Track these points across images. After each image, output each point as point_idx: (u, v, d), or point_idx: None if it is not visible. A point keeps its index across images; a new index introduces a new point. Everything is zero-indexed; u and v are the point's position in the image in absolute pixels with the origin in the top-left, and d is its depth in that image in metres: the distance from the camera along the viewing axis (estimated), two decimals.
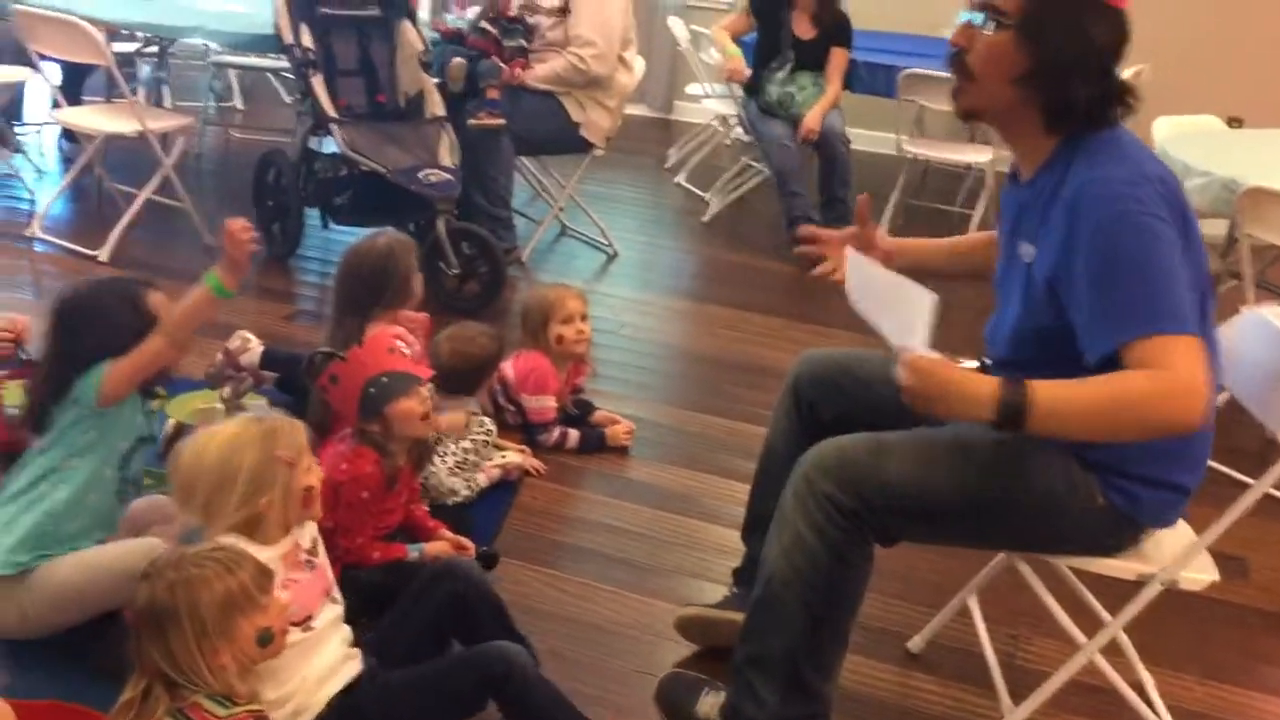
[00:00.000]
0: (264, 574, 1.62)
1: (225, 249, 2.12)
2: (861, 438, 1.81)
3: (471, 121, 4.09)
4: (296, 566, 1.79)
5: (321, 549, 1.90)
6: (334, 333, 2.64)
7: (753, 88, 5.06)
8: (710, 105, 5.80)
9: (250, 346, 2.95)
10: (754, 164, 5.54)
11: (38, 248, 4.17)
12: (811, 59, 4.98)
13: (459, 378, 2.79)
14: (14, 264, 4.04)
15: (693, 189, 5.75)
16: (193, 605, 1.53)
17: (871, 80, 5.22)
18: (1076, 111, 1.68)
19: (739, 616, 2.14)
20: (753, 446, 3.04)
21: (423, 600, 1.96)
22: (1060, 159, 1.72)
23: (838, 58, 5.01)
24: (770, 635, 1.79)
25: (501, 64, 4.16)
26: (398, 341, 2.31)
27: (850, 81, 5.14)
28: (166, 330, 2.07)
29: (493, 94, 4.14)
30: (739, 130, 5.44)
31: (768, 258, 4.87)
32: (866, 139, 6.60)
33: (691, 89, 6.23)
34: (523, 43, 4.27)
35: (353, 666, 1.82)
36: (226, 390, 2.92)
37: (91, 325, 2.08)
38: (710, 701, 1.97)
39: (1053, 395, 1.57)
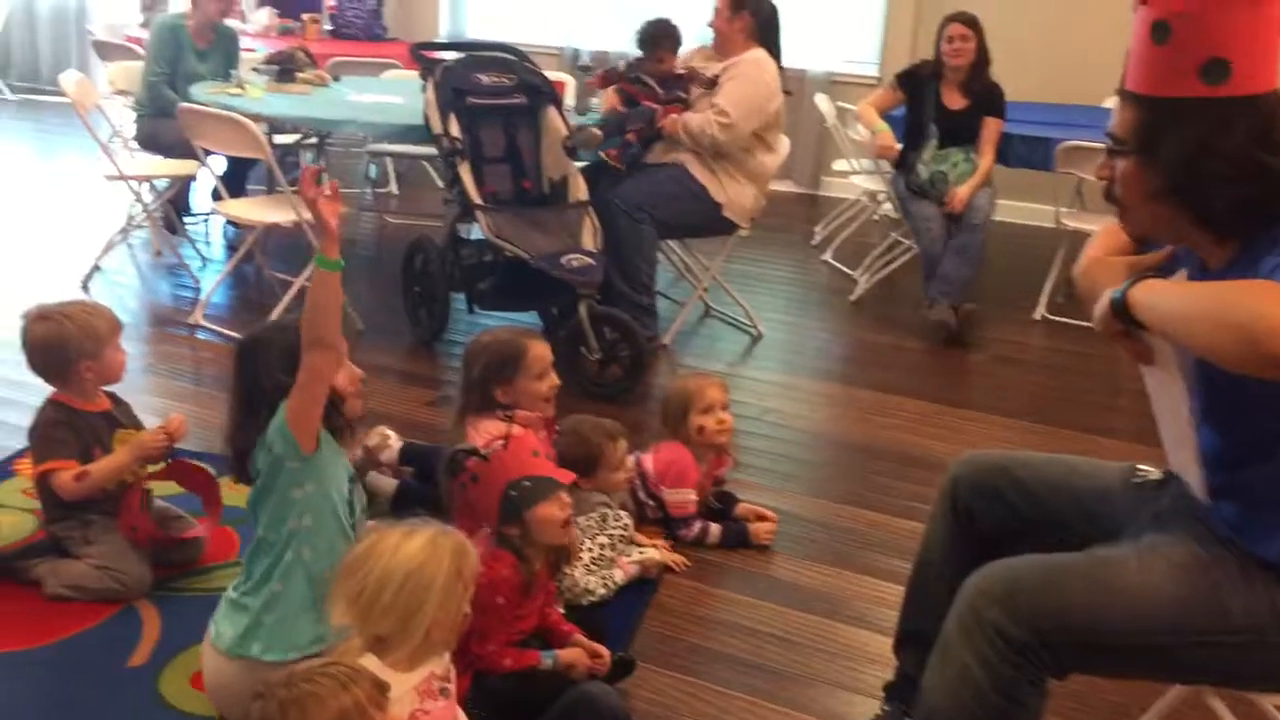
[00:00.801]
0: (380, 689, 1.57)
1: (316, 219, 1.98)
2: (1034, 561, 1.66)
3: (601, 153, 4.11)
4: (430, 695, 1.74)
5: (453, 674, 1.84)
6: (455, 422, 2.65)
7: (902, 164, 4.93)
8: (858, 181, 5.70)
9: (389, 444, 2.95)
10: (903, 240, 5.40)
11: (200, 335, 4.32)
12: (963, 131, 4.84)
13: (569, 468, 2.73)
14: (176, 351, 4.19)
15: (840, 266, 5.64)
16: None
17: (1027, 153, 5.02)
18: (1235, 215, 1.55)
19: None
20: (904, 543, 2.92)
21: None
22: (1246, 255, 1.57)
23: (990, 128, 4.85)
24: None
25: (656, 106, 4.23)
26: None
27: (1004, 154, 4.97)
28: (308, 341, 1.96)
29: (631, 137, 4.22)
30: (888, 206, 5.32)
31: (918, 338, 4.70)
32: (1020, 211, 6.40)
33: (838, 165, 6.15)
34: (681, 95, 4.34)
35: None
36: (376, 475, 2.93)
37: (272, 357, 2.07)
38: None
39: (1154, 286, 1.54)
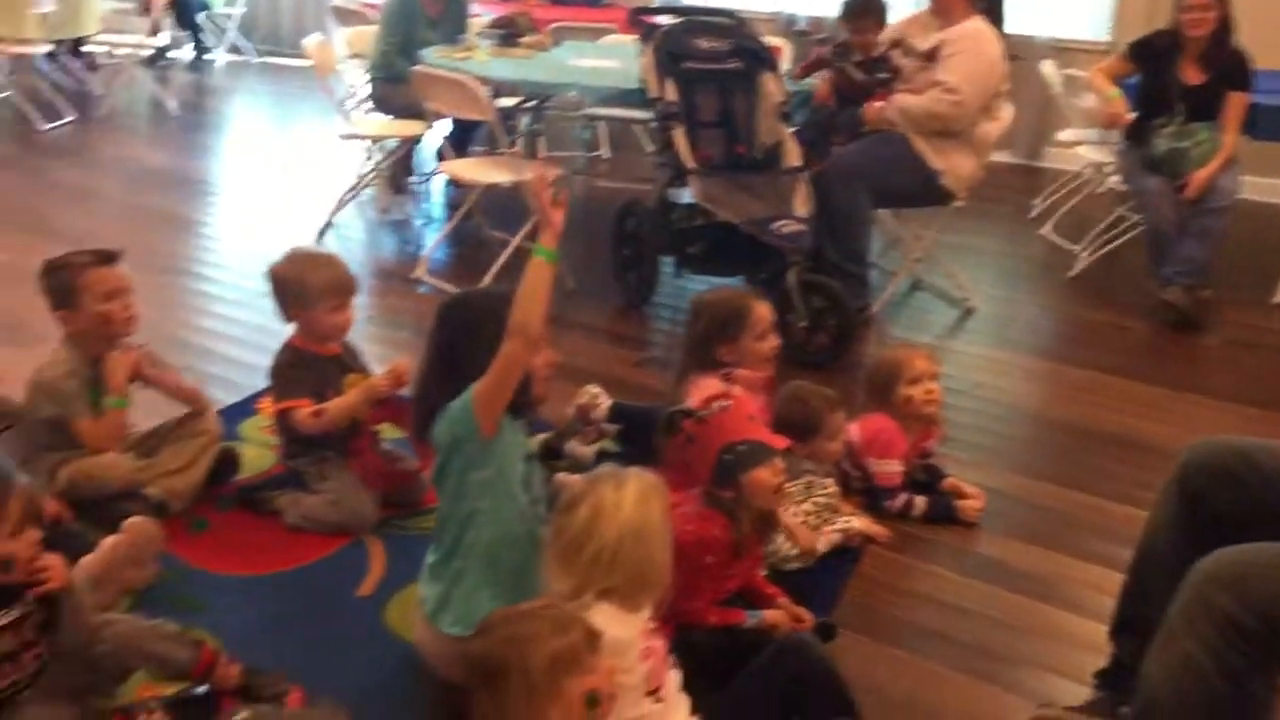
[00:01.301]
0: (593, 636, 1.63)
1: (537, 209, 2.04)
2: (1268, 548, 1.58)
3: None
4: (648, 634, 1.80)
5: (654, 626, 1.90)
6: (677, 379, 2.68)
7: (1134, 135, 4.68)
8: (1084, 152, 5.44)
9: (600, 403, 3.03)
10: (1130, 215, 5.13)
11: (421, 289, 4.53)
12: (1204, 107, 4.51)
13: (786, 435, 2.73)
14: (400, 304, 4.40)
15: (1059, 241, 5.41)
16: (523, 662, 1.56)
17: (1274, 126, 4.68)
18: None
19: None
20: (1121, 530, 2.81)
21: (766, 676, 1.92)
22: None
23: (1235, 104, 4.51)
24: None
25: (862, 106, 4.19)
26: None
27: (1250, 126, 4.63)
28: (513, 328, 1.96)
29: (837, 144, 4.20)
30: (1115, 179, 5.07)
31: (1142, 318, 4.47)
32: (1264, 188, 5.98)
33: (1063, 135, 5.88)
34: (883, 76, 4.27)
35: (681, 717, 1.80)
36: (576, 440, 3.01)
37: (474, 327, 2.09)
38: None
39: None
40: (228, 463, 2.88)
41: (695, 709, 1.89)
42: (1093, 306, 4.66)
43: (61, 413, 2.62)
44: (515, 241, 4.48)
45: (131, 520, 2.38)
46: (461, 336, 2.11)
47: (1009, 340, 4.27)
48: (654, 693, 1.81)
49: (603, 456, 2.98)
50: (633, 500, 1.81)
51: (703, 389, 2.55)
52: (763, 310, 2.78)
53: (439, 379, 2.11)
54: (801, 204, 3.98)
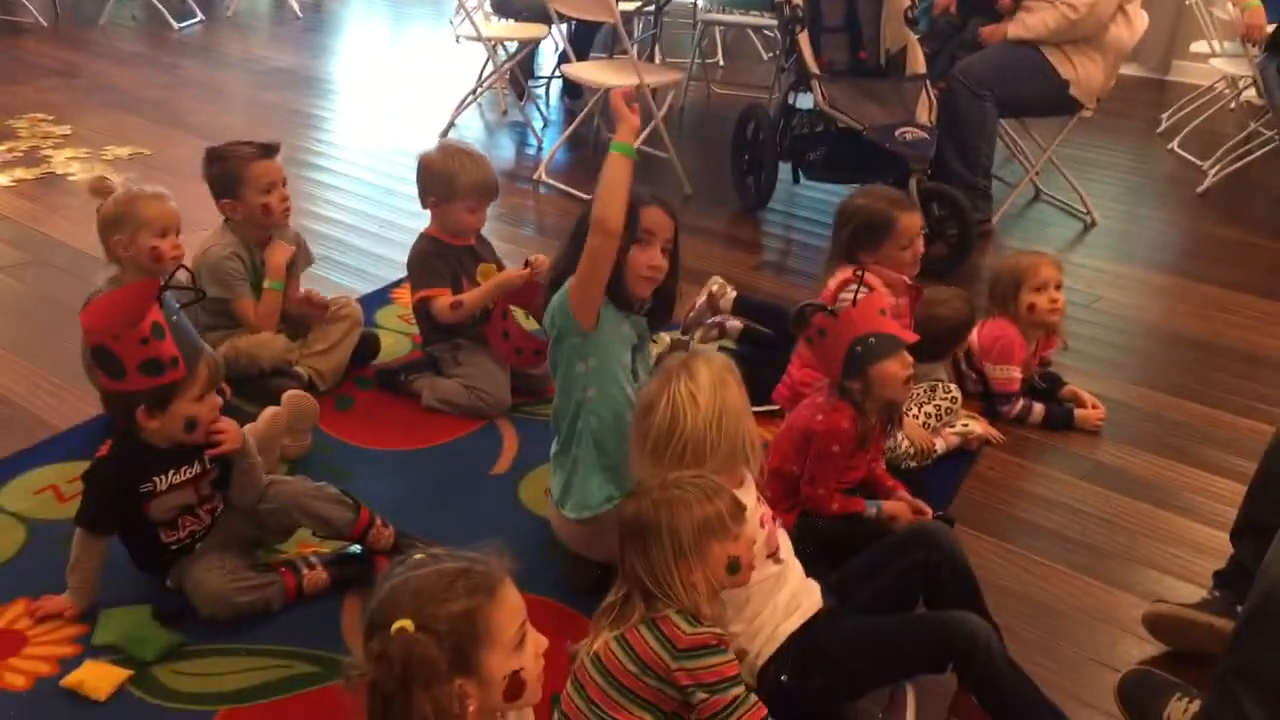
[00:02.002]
0: (739, 507, 1.71)
1: (615, 109, 2.09)
2: None
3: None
4: (762, 500, 1.89)
5: (764, 504, 1.97)
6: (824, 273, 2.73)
7: (1274, 47, 4.52)
8: (1218, 65, 5.27)
9: (727, 291, 3.10)
10: (1264, 130, 4.98)
11: (541, 190, 4.62)
12: None
13: (928, 341, 2.76)
14: (521, 204, 4.50)
15: (1187, 156, 5.27)
16: (673, 524, 1.64)
17: None
18: None
19: (1221, 622, 2.01)
20: (1244, 442, 2.81)
21: (896, 558, 1.98)
22: None
23: None
24: (1268, 652, 1.64)
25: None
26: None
27: None
28: (594, 222, 2.00)
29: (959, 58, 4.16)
30: (1250, 93, 4.90)
31: (1271, 236, 4.38)
32: None
33: (1196, 47, 5.69)
34: None
35: (814, 600, 1.90)
36: (699, 334, 3.10)
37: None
38: (1181, 707, 1.84)
39: None
40: (369, 346, 3.02)
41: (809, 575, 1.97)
42: (1220, 223, 4.56)
43: (225, 294, 2.79)
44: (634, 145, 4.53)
45: (291, 393, 2.53)
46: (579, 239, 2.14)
47: (1131, 255, 4.22)
48: (773, 555, 1.89)
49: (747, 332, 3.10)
50: (708, 388, 1.86)
51: (836, 277, 2.61)
52: (908, 220, 2.78)
53: (565, 273, 2.16)
54: (925, 112, 3.95)
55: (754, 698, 1.63)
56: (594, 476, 2.17)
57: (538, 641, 1.43)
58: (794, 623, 1.85)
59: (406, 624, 1.31)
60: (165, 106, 5.45)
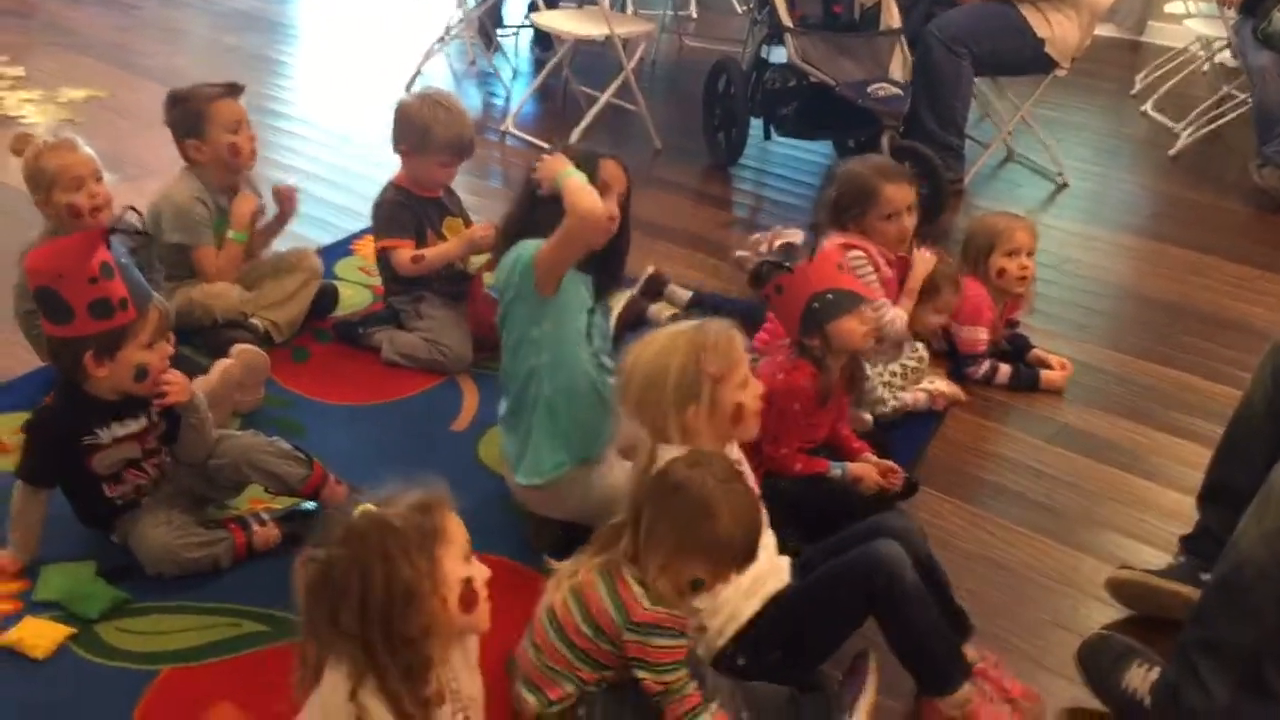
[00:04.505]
0: (750, 551, 1.67)
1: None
2: None
3: None
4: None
5: (745, 463, 1.94)
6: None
7: (1249, 8, 4.48)
8: (1192, 26, 5.23)
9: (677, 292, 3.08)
10: (1237, 93, 4.95)
11: (508, 142, 4.53)
12: None
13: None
14: (487, 155, 4.41)
15: (1160, 118, 5.24)
16: (694, 521, 1.61)
17: None
18: None
19: (1185, 589, 2.00)
20: (1212, 407, 2.80)
21: (849, 584, 1.81)
22: None
23: None
24: (1233, 624, 1.63)
25: None
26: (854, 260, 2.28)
27: None
28: (582, 212, 1.98)
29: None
30: (1224, 55, 4.87)
31: (1242, 200, 4.35)
32: None
33: (1171, 7, 5.65)
34: None
35: (779, 579, 1.86)
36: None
37: (536, 199, 2.10)
38: (1141, 674, 1.82)
39: None
40: (327, 298, 2.95)
41: (783, 550, 1.94)
42: (1192, 186, 4.54)
43: (187, 240, 2.70)
44: (604, 98, 4.45)
45: (241, 346, 2.47)
46: (530, 199, 2.13)
47: (1102, 217, 4.19)
48: None
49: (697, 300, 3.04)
50: (656, 345, 1.85)
51: (832, 243, 2.56)
52: (894, 192, 2.72)
53: (518, 233, 2.13)
54: (899, 68, 3.89)
55: (692, 687, 1.62)
56: (547, 442, 2.13)
57: (481, 569, 1.42)
58: (755, 605, 1.81)
59: (369, 507, 1.33)
60: (122, 49, 5.30)
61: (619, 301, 3.00)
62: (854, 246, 2.27)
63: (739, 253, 2.96)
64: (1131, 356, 3.12)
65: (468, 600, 1.38)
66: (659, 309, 3.00)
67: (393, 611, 1.30)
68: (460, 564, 1.38)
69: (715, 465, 1.67)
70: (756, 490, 1.86)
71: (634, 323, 2.89)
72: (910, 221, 2.77)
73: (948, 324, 2.91)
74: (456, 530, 1.40)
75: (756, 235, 3.11)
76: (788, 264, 2.27)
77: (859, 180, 2.74)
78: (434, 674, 1.36)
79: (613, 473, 2.11)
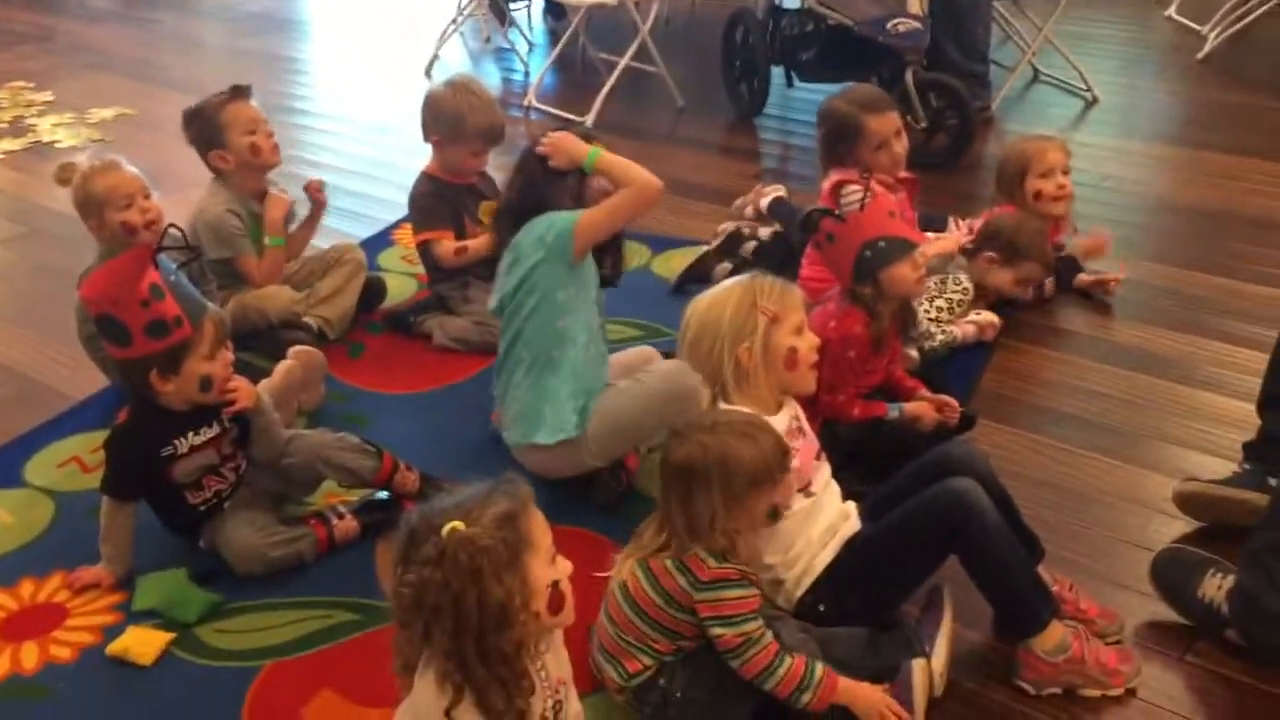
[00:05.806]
0: (784, 452, 1.69)
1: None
2: None
3: None
4: (793, 435, 1.87)
5: (804, 420, 1.96)
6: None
7: None
8: None
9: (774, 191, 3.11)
10: None
11: (533, 116, 4.54)
12: None
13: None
14: (514, 130, 4.39)
15: (1185, 21, 5.16)
16: (725, 474, 1.63)
17: None
18: None
19: (1252, 496, 2.00)
20: (1265, 311, 2.78)
21: (926, 485, 1.85)
22: None
23: None
24: None
25: None
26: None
27: None
28: (642, 184, 2.19)
29: None
30: None
31: (1276, 97, 4.29)
32: None
33: None
34: None
35: (850, 526, 1.89)
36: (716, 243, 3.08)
37: (548, 175, 2.24)
38: (1216, 583, 1.84)
39: None
40: (375, 290, 3.00)
41: (849, 496, 1.96)
42: (1224, 88, 4.47)
43: (228, 253, 2.76)
44: (622, 62, 4.45)
45: (297, 348, 2.52)
46: (541, 183, 2.25)
47: (1136, 129, 4.15)
48: (804, 488, 1.87)
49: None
50: (710, 297, 1.92)
51: (831, 181, 2.58)
52: (877, 123, 2.72)
53: (513, 222, 2.26)
54: (915, 1, 3.86)
55: (768, 637, 1.63)
56: (570, 402, 2.19)
57: (565, 565, 1.44)
58: (829, 554, 1.84)
59: (457, 524, 1.32)
60: (145, 63, 5.36)
61: (689, 256, 3.05)
62: (850, 182, 2.29)
63: (722, 226, 3.01)
64: (1178, 268, 3.10)
65: (555, 604, 1.40)
66: (722, 268, 3.02)
67: (486, 630, 1.32)
68: (546, 568, 1.39)
69: (696, 425, 1.69)
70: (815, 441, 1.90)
71: (697, 278, 2.94)
72: (900, 146, 2.78)
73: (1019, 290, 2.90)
74: (541, 534, 1.40)
75: (738, 201, 3.15)
76: (839, 212, 2.28)
77: (841, 117, 2.77)
78: (527, 678, 1.38)
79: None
